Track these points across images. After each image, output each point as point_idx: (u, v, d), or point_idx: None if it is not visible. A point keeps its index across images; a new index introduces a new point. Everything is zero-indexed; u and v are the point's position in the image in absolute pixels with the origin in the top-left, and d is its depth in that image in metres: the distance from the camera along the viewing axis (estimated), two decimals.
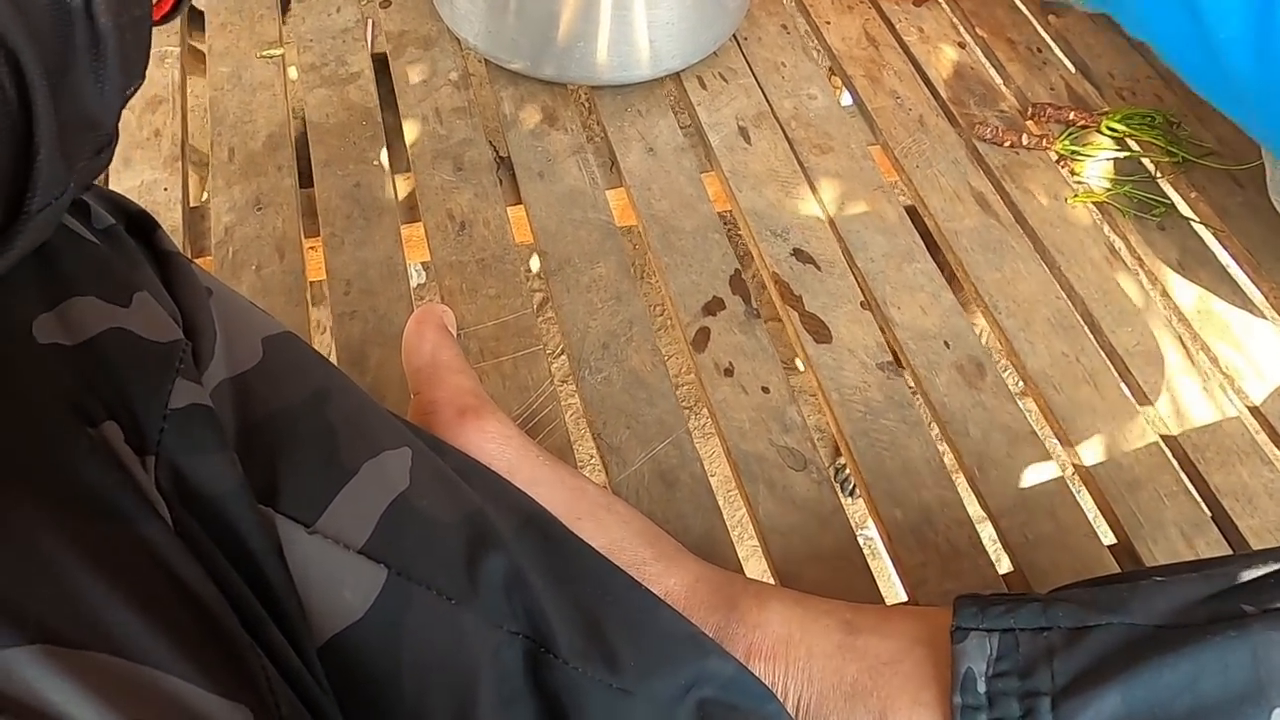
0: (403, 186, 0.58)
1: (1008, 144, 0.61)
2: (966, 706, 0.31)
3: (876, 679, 0.33)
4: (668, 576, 0.36)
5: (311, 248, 0.55)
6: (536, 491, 0.35)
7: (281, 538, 0.27)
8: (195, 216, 0.56)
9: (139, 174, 0.56)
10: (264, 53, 0.63)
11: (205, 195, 0.57)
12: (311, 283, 0.53)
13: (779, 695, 0.33)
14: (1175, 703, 0.29)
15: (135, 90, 0.26)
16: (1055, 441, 0.51)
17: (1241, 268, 0.58)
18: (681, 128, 0.62)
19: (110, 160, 0.27)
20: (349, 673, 0.27)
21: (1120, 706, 0.29)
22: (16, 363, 0.24)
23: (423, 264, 0.53)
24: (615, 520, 0.37)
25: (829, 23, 0.69)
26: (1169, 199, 0.60)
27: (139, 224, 0.31)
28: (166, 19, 0.30)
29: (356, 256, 0.53)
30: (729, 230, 0.57)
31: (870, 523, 0.47)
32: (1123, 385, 0.51)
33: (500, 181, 0.58)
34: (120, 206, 0.31)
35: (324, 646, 0.27)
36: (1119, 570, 0.45)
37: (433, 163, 0.58)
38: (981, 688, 0.31)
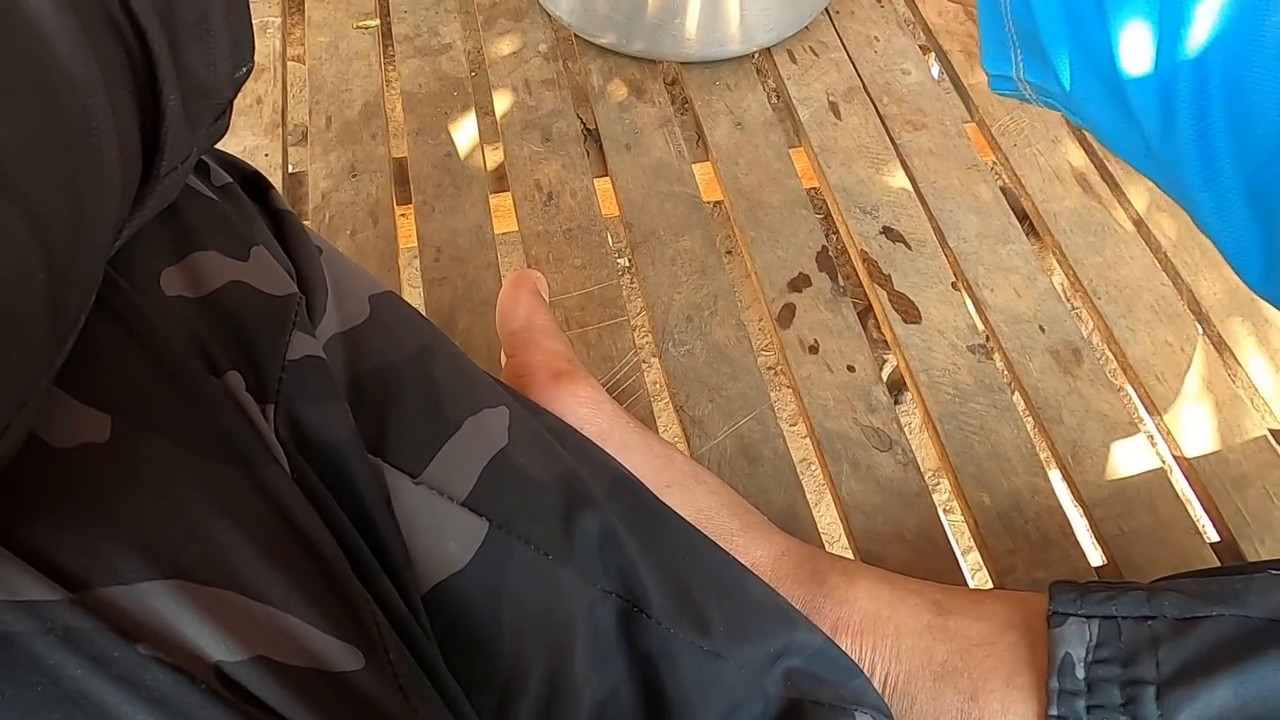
0: (492, 157, 0.59)
1: None
2: (1064, 691, 0.30)
3: (968, 660, 0.32)
4: (755, 548, 0.36)
5: (403, 214, 0.56)
6: (627, 458, 0.35)
7: (389, 487, 0.27)
8: (294, 182, 0.58)
9: (241, 140, 0.58)
10: (360, 24, 0.65)
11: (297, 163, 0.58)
12: (402, 249, 0.55)
13: (866, 671, 0.33)
14: None
15: (247, 72, 0.27)
16: (1156, 433, 0.49)
17: None
18: (770, 102, 0.61)
19: (227, 128, 0.28)
20: (450, 621, 0.27)
21: (1232, 699, 0.28)
22: (148, 311, 0.25)
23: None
24: (703, 490, 0.37)
25: None
26: None
27: (254, 183, 0.32)
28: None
29: (446, 224, 0.54)
30: (817, 207, 0.56)
31: (955, 507, 0.46)
32: (1230, 377, 0.49)
33: (587, 153, 0.58)
34: (236, 166, 0.32)
35: (427, 595, 0.27)
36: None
37: (521, 133, 0.58)
38: (1080, 673, 0.30)
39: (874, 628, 0.34)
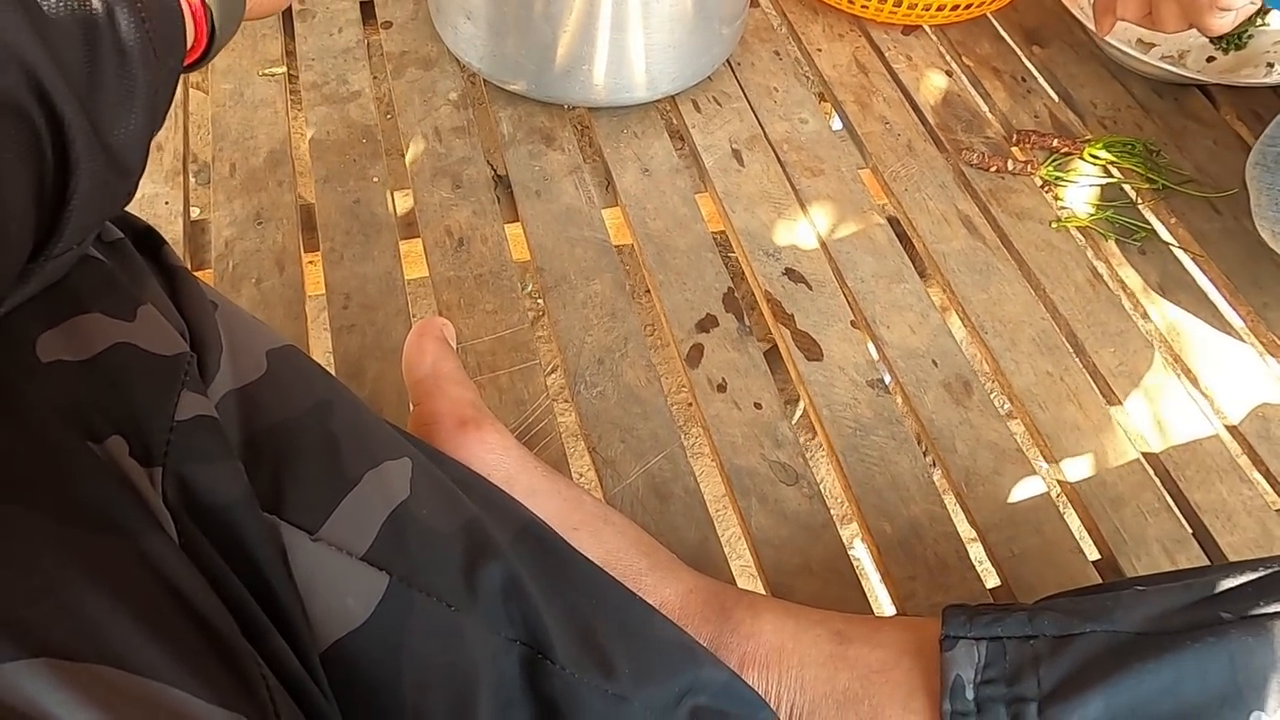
0: (401, 203, 0.59)
1: (993, 169, 0.63)
2: (956, 713, 0.31)
3: (868, 687, 0.34)
4: (663, 587, 0.37)
5: (310, 262, 0.55)
6: (534, 502, 0.35)
7: (286, 544, 0.27)
8: (196, 230, 0.57)
9: (141, 187, 0.57)
10: (266, 71, 0.64)
11: (200, 211, 0.57)
12: (310, 297, 0.54)
13: (772, 703, 0.34)
14: (1157, 707, 0.29)
15: (156, 132, 0.27)
16: (1041, 459, 0.52)
17: (1219, 291, 0.60)
18: (676, 149, 0.63)
19: (130, 200, 0.28)
20: (351, 678, 0.27)
21: (1104, 711, 0.30)
22: (19, 381, 0.24)
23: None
24: (611, 531, 0.37)
25: (820, 49, 0.71)
26: (1149, 224, 0.62)
27: (145, 239, 0.31)
28: (197, 65, 0.31)
29: (355, 271, 0.54)
30: (722, 250, 0.58)
31: (859, 541, 0.48)
32: (1106, 404, 0.52)
33: (498, 199, 0.59)
34: (128, 222, 0.31)
35: (326, 652, 0.27)
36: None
37: (432, 180, 0.59)
38: (970, 694, 0.32)
39: (779, 660, 0.35)
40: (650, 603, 0.34)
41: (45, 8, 0.22)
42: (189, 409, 0.26)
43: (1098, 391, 0.53)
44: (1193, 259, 0.61)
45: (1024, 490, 0.48)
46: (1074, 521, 0.49)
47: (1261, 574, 0.31)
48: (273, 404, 0.30)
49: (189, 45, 0.29)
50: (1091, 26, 0.66)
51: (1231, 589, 0.31)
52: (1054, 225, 0.61)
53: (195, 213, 0.59)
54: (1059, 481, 0.50)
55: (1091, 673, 0.30)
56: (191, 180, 0.59)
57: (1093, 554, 0.47)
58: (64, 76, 0.22)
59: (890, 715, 0.33)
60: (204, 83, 0.67)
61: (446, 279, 0.54)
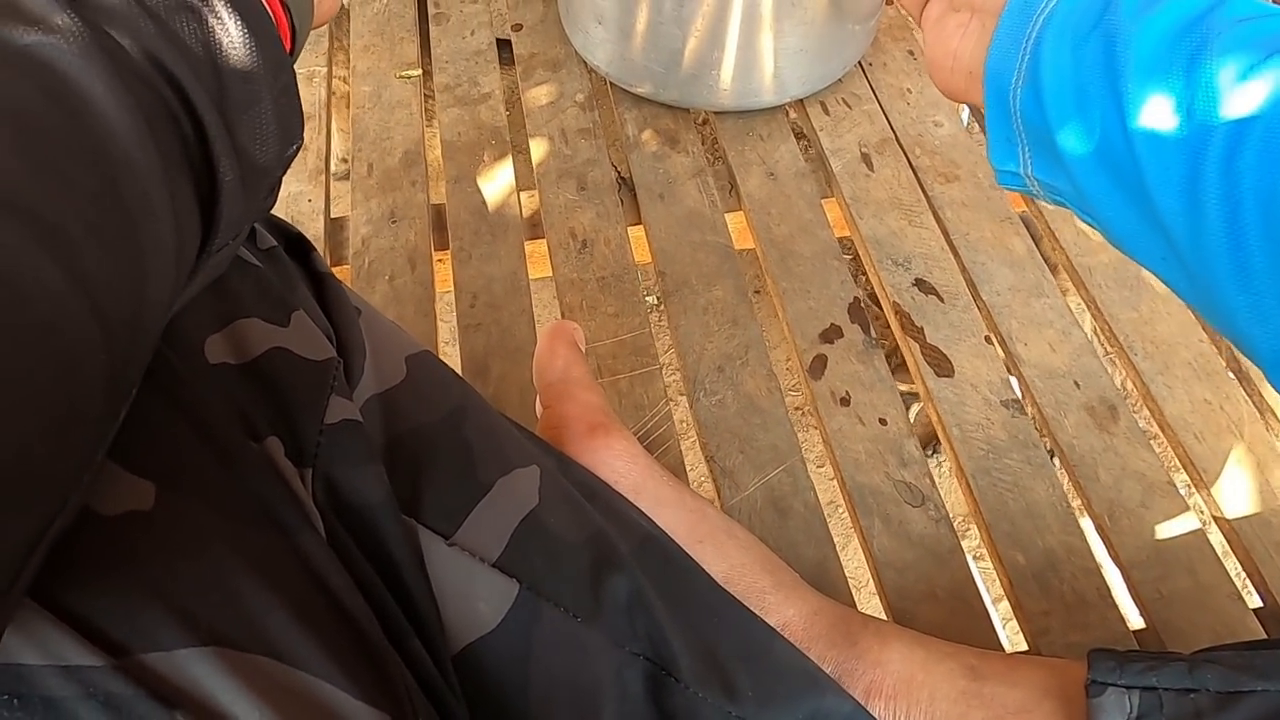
0: (527, 204, 0.60)
1: None
2: None
3: None
4: (786, 607, 0.36)
5: (440, 260, 0.57)
6: (659, 512, 0.35)
7: (423, 548, 0.28)
8: (335, 227, 0.60)
9: (285, 186, 0.60)
10: (403, 73, 0.67)
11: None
12: (439, 295, 0.56)
13: None
14: None
15: (296, 149, 0.28)
16: (1195, 493, 0.48)
17: None
18: (803, 153, 0.62)
19: (275, 201, 0.29)
20: (479, 682, 0.27)
21: None
22: (192, 380, 0.26)
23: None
24: (735, 546, 0.37)
25: None
26: None
27: (297, 246, 0.33)
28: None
29: (482, 271, 0.55)
30: (849, 258, 0.57)
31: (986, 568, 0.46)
32: (1272, 438, 0.48)
33: (621, 202, 0.59)
34: (280, 228, 0.33)
35: (457, 656, 0.27)
36: (1265, 636, 0.42)
37: (557, 181, 0.60)
38: None
39: (908, 692, 0.33)
40: (773, 623, 0.34)
41: (173, 23, 0.23)
42: (337, 413, 0.27)
43: (1264, 423, 0.48)
44: None
45: (1175, 526, 0.45)
46: (1232, 564, 0.45)
47: None
48: (411, 409, 0.31)
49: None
50: None
51: None
52: None
53: (335, 211, 0.61)
54: (1216, 519, 0.46)
55: None
56: (332, 179, 0.62)
57: (1253, 601, 0.43)
58: (202, 84, 0.23)
59: None
60: (346, 85, 0.69)
61: (570, 280, 0.54)
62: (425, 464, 0.29)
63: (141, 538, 0.22)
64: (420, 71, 0.67)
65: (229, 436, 0.24)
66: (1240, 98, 0.26)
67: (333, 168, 0.63)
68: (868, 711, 0.32)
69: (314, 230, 0.58)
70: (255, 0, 0.26)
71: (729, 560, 0.36)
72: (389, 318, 0.34)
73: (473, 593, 0.28)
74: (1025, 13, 0.32)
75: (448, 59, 0.68)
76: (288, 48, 0.30)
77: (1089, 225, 0.34)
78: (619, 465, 0.36)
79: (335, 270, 0.42)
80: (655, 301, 0.49)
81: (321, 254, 0.54)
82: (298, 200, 0.59)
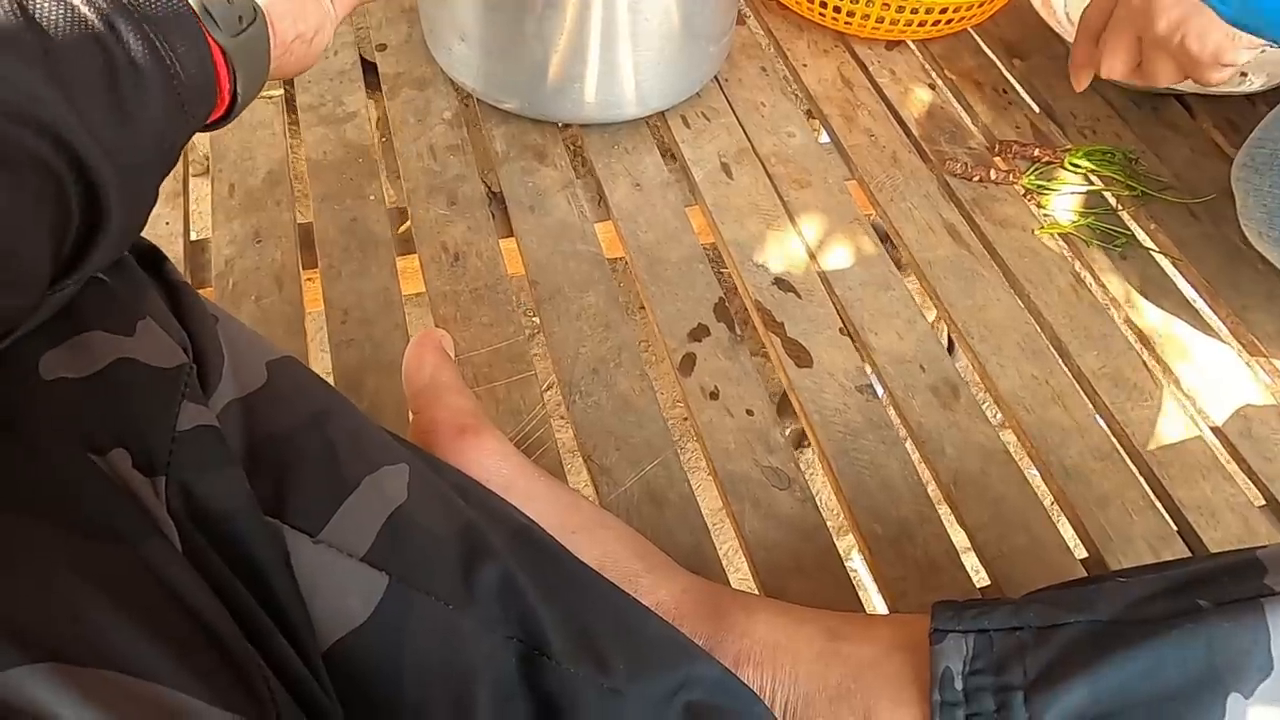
0: (397, 220, 0.60)
1: (977, 179, 0.64)
2: (945, 703, 0.32)
3: (860, 681, 0.34)
4: (658, 589, 0.37)
5: (309, 279, 0.57)
6: (531, 507, 0.36)
7: (289, 547, 0.28)
8: (196, 249, 0.58)
9: None
10: (265, 94, 0.66)
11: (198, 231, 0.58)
12: (309, 313, 0.55)
13: (766, 699, 0.34)
14: (1138, 692, 0.30)
15: (166, 175, 0.29)
16: (1029, 461, 0.53)
17: (1200, 295, 0.61)
18: (666, 164, 0.65)
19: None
20: (353, 677, 0.28)
21: (1087, 697, 0.30)
22: (23, 401, 0.25)
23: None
24: (608, 535, 0.38)
25: (805, 65, 0.73)
26: (1130, 230, 0.63)
27: (148, 257, 0.32)
28: (218, 124, 0.33)
29: (353, 287, 0.55)
30: (714, 262, 0.59)
31: (855, 552, 0.49)
32: (1090, 407, 0.54)
33: (493, 215, 0.60)
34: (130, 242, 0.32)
35: (329, 651, 0.28)
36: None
37: (427, 197, 0.60)
38: (959, 685, 0.33)
39: (773, 658, 0.35)
40: (646, 604, 0.35)
41: (73, 61, 0.23)
42: (190, 419, 0.27)
43: (1082, 394, 0.54)
44: (1173, 263, 0.62)
45: (1012, 490, 0.49)
46: (1062, 522, 0.50)
47: (1235, 561, 0.32)
48: (273, 413, 0.31)
49: (214, 104, 0.30)
50: (1069, 39, 0.68)
51: (1208, 578, 0.32)
52: (1037, 232, 0.62)
53: (195, 233, 0.60)
54: (1045, 480, 0.51)
55: (1075, 660, 0.31)
56: (191, 201, 0.61)
57: (1080, 552, 0.48)
58: (90, 130, 0.23)
59: (882, 707, 0.34)
60: None
61: (443, 293, 0.55)
62: (288, 466, 0.29)
63: None
64: (282, 91, 0.66)
65: (62, 452, 0.24)
66: None
67: (191, 190, 0.61)
68: (736, 676, 0.34)
69: (174, 252, 0.56)
70: (185, 39, 0.26)
71: (602, 547, 0.37)
72: None
73: (343, 588, 0.28)
74: None
75: (311, 79, 0.67)
76: (223, 100, 0.31)
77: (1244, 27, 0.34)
78: (489, 463, 0.37)
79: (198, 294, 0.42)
80: (528, 312, 0.51)
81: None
82: (155, 223, 0.58)
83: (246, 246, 0.56)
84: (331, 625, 0.28)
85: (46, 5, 0.24)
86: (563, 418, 0.53)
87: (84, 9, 0.25)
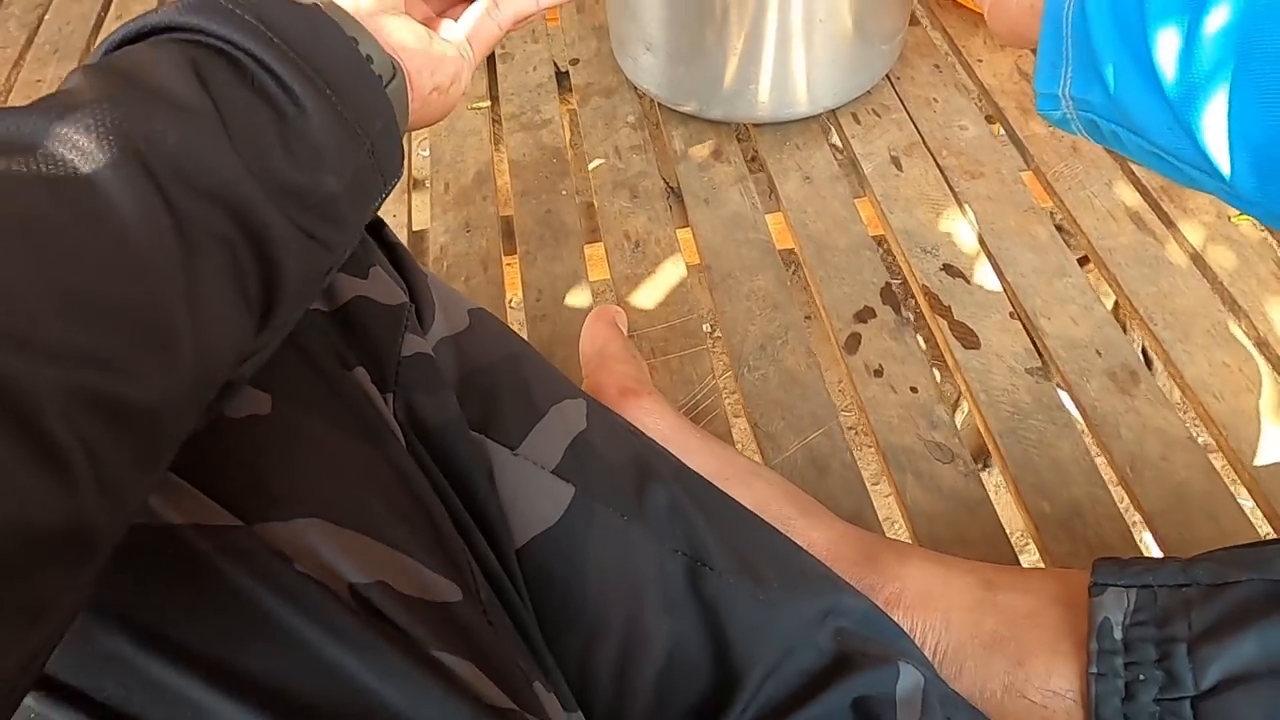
0: (586, 213, 0.66)
1: None
2: (1103, 651, 0.33)
3: (1015, 630, 0.35)
4: (811, 531, 0.40)
5: (509, 264, 0.64)
6: (688, 458, 0.40)
7: (492, 458, 0.33)
8: (416, 238, 0.67)
9: None
10: (473, 105, 0.75)
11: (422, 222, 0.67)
12: (508, 293, 0.62)
13: (916, 641, 0.36)
14: None
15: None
16: (1216, 448, 0.50)
17: None
18: (836, 159, 0.67)
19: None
20: (542, 570, 0.33)
21: (1258, 652, 0.30)
22: (298, 326, 0.32)
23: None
24: (761, 483, 0.41)
25: (981, 60, 0.73)
26: None
27: (372, 224, 0.39)
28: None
29: (547, 270, 0.61)
30: (881, 251, 0.61)
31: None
32: None
33: (670, 207, 0.65)
34: None
35: (524, 548, 0.33)
36: None
37: (612, 192, 0.66)
38: (1118, 634, 0.33)
39: (925, 603, 0.37)
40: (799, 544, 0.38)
41: (249, 122, 0.25)
42: (411, 347, 0.33)
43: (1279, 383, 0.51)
44: None
45: (1197, 478, 0.48)
46: (1253, 511, 0.48)
47: None
48: (477, 350, 0.37)
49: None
50: None
51: None
52: (1233, 219, 0.59)
53: (415, 225, 0.69)
54: (1236, 470, 0.49)
55: (1246, 616, 0.31)
56: (413, 197, 0.70)
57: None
58: (267, 193, 0.25)
59: (1037, 655, 0.34)
60: None
61: (624, 276, 0.60)
62: (491, 393, 0.35)
63: (263, 434, 0.28)
64: (489, 103, 0.75)
65: (327, 365, 0.30)
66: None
67: (413, 187, 0.71)
68: (883, 611, 0.36)
69: None
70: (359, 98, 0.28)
71: (756, 494, 0.40)
72: None
73: (537, 494, 0.33)
74: None
75: (513, 91, 0.76)
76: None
77: (1109, 146, 0.36)
78: (648, 420, 0.41)
79: None
80: (701, 294, 0.54)
81: None
82: (383, 216, 0.67)
83: (458, 235, 0.64)
84: (526, 525, 0.33)
85: (218, 74, 0.26)
86: (732, 390, 0.57)
87: (259, 72, 0.27)
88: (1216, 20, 0.30)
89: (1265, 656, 0.30)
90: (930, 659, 0.36)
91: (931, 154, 0.66)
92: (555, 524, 0.33)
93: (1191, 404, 0.51)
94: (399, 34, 0.33)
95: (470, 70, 0.38)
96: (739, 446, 0.52)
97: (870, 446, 0.52)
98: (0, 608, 0.18)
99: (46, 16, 0.90)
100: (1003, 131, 0.69)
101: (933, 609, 0.37)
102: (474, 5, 0.38)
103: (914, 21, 0.76)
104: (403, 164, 0.33)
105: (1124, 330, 0.55)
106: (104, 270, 0.21)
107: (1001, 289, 0.57)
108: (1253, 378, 0.51)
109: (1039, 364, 0.53)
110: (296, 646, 0.24)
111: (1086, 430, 0.51)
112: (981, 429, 0.52)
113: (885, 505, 0.53)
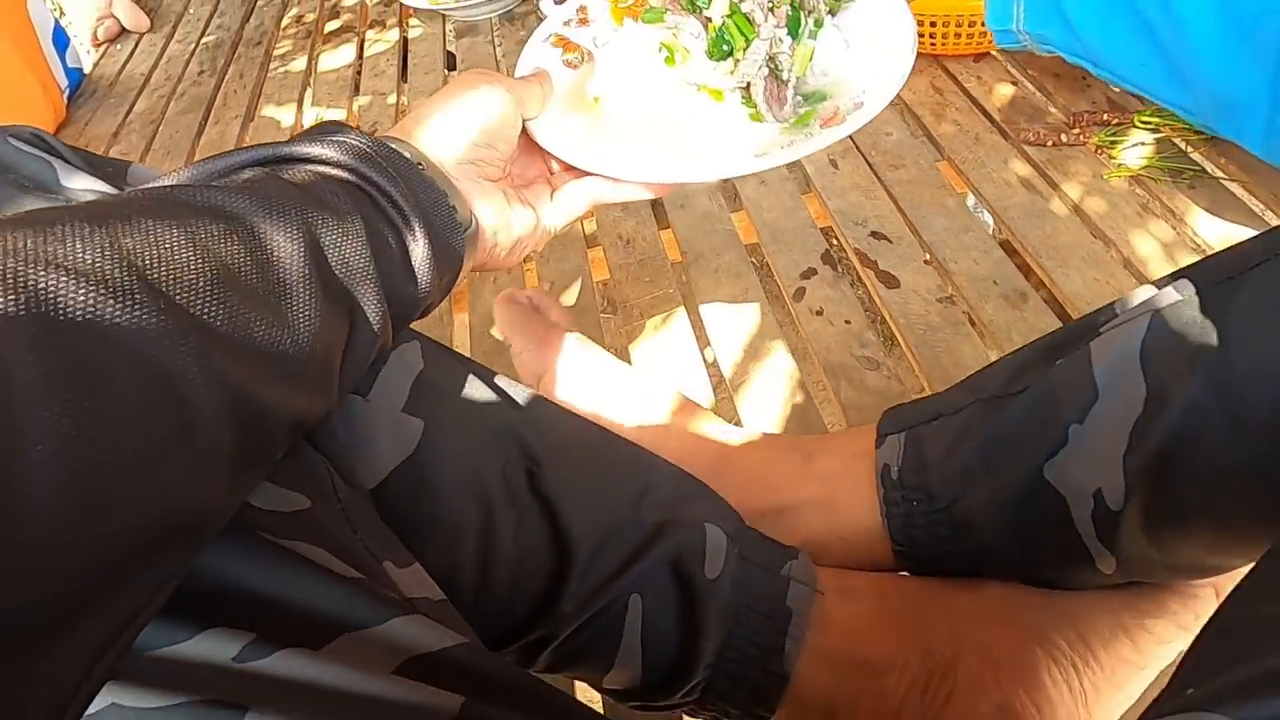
0: (588, 224, 0.82)
1: (1050, 143, 0.76)
2: (886, 490, 0.43)
3: (828, 487, 0.45)
4: (665, 439, 0.48)
5: (528, 269, 0.80)
6: (599, 379, 0.50)
7: (349, 408, 0.36)
8: None
9: None
10: None
11: None
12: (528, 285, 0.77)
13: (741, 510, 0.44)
14: (1009, 439, 0.39)
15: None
16: None
17: (1271, 210, 0.68)
18: (787, 166, 0.83)
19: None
20: (406, 496, 0.36)
21: (976, 455, 0.40)
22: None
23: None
24: (658, 390, 0.51)
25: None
26: (1199, 165, 0.72)
27: None
28: (388, 345, 0.37)
29: (558, 269, 0.77)
30: (823, 232, 0.76)
31: None
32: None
33: (654, 213, 0.81)
34: None
35: (387, 479, 0.36)
36: None
37: (609, 206, 0.82)
38: (895, 474, 0.43)
39: (761, 482, 0.46)
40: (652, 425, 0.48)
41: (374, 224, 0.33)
42: None
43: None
44: (1242, 187, 0.70)
45: None
46: None
47: (1087, 321, 0.40)
48: None
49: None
50: None
51: (1065, 339, 0.40)
52: (1105, 177, 0.72)
53: None
54: None
55: (970, 433, 0.41)
56: None
57: None
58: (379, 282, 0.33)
59: (845, 506, 0.44)
60: None
61: (618, 264, 0.76)
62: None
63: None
64: None
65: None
66: None
67: None
68: (692, 476, 0.44)
69: None
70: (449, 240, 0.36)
71: (649, 390, 0.51)
72: None
73: (391, 431, 0.37)
74: None
75: None
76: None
77: (1078, 64, 0.38)
78: (573, 353, 0.51)
79: None
80: (678, 274, 0.69)
81: None
82: None
83: None
84: (387, 458, 0.36)
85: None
86: (703, 339, 0.71)
87: (389, 207, 0.34)
88: None
89: (981, 457, 0.40)
90: (758, 520, 0.44)
91: (862, 154, 0.81)
92: (411, 454, 0.36)
93: (1071, 310, 0.64)
94: (479, 200, 0.40)
95: (544, 239, 0.44)
96: (708, 375, 0.66)
97: (813, 365, 0.66)
98: (134, 583, 0.21)
99: (160, 128, 1.12)
100: (920, 133, 0.84)
101: (768, 485, 0.46)
102: (566, 188, 0.44)
103: None
104: (448, 291, 0.40)
105: (1020, 271, 0.68)
106: (271, 313, 0.27)
107: (918, 245, 0.71)
108: (1119, 288, 0.64)
109: (948, 294, 0.66)
110: None
111: (985, 338, 0.64)
112: (902, 345, 0.65)
113: (826, 405, 0.65)
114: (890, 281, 0.68)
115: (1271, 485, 0.32)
